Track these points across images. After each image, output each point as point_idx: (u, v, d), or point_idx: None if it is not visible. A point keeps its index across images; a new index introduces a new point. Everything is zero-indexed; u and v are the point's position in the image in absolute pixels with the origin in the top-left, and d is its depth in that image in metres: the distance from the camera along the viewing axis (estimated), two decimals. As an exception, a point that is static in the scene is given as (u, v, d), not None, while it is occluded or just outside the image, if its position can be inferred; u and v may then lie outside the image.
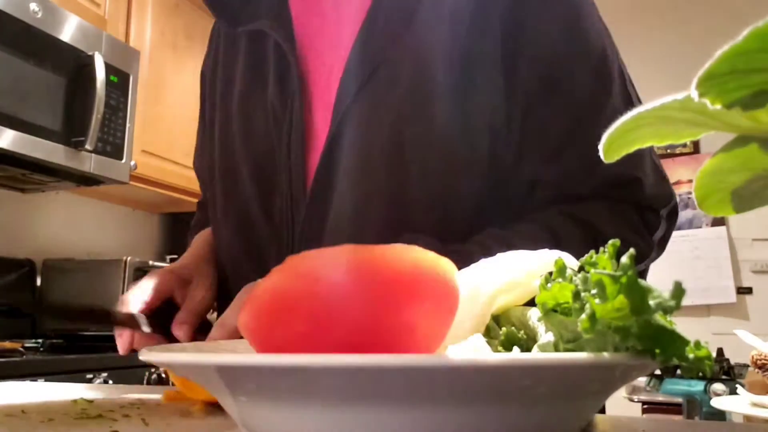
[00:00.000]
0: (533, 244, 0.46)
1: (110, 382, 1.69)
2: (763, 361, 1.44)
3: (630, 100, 0.65)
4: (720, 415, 1.81)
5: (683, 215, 3.14)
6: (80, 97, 1.94)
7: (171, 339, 0.62)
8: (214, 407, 0.50)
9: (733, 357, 2.21)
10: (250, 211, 0.71)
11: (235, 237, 0.72)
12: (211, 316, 0.68)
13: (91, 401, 0.53)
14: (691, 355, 0.25)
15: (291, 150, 0.68)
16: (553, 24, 0.64)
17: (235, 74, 0.76)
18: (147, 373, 1.84)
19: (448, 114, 0.63)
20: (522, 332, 0.34)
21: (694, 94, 0.20)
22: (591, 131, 0.61)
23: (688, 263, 3.06)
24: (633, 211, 0.63)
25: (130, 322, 0.62)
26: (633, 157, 0.63)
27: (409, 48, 0.65)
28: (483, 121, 0.63)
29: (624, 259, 0.26)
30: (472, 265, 0.39)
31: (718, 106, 0.20)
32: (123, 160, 2.11)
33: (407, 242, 0.29)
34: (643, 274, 0.66)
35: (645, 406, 2.44)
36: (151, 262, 2.31)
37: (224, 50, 0.79)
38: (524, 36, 0.63)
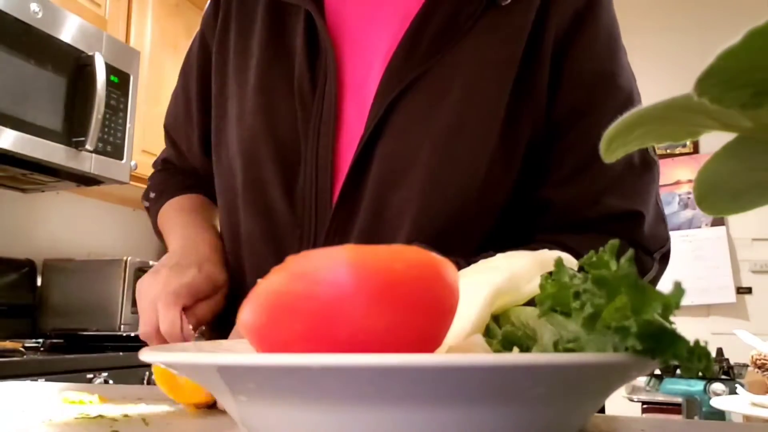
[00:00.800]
0: None
1: (110, 382, 1.69)
2: (763, 361, 1.44)
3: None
4: (719, 415, 1.81)
5: (683, 215, 3.14)
6: (80, 97, 1.94)
7: None
8: (209, 408, 0.50)
9: (733, 357, 2.21)
10: (271, 195, 0.68)
11: (255, 220, 0.69)
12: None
13: (91, 401, 0.53)
14: (690, 355, 0.25)
15: (320, 140, 0.66)
16: (594, 61, 0.66)
17: (251, 45, 0.72)
18: (147, 373, 1.83)
19: (494, 132, 0.63)
20: (522, 332, 0.34)
21: (694, 94, 0.20)
22: (605, 165, 0.63)
23: (688, 263, 3.06)
24: (629, 250, 0.64)
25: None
26: (641, 193, 0.65)
27: (462, 59, 0.64)
28: (523, 141, 0.64)
29: (624, 259, 0.26)
30: (472, 266, 0.39)
31: (718, 106, 0.20)
32: (123, 160, 2.11)
33: None
34: None
35: (645, 406, 2.44)
36: (151, 262, 2.31)
37: (237, 16, 0.75)
38: (568, 66, 0.65)
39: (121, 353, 1.83)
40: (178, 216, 0.78)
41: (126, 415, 0.46)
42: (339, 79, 0.67)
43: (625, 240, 0.63)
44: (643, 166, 0.65)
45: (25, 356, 1.64)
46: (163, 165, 0.88)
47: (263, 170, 0.68)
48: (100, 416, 0.45)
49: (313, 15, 0.67)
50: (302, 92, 0.67)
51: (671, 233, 0.69)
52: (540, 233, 0.66)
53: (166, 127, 0.87)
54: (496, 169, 0.63)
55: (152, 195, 0.84)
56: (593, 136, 0.64)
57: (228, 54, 0.75)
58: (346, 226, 0.64)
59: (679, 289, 0.25)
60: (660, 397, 2.29)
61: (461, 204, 0.62)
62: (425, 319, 0.29)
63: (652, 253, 0.66)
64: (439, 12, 0.66)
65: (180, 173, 0.86)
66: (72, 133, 1.92)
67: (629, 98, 0.67)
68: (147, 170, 2.49)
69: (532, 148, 0.65)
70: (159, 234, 0.82)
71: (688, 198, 3.10)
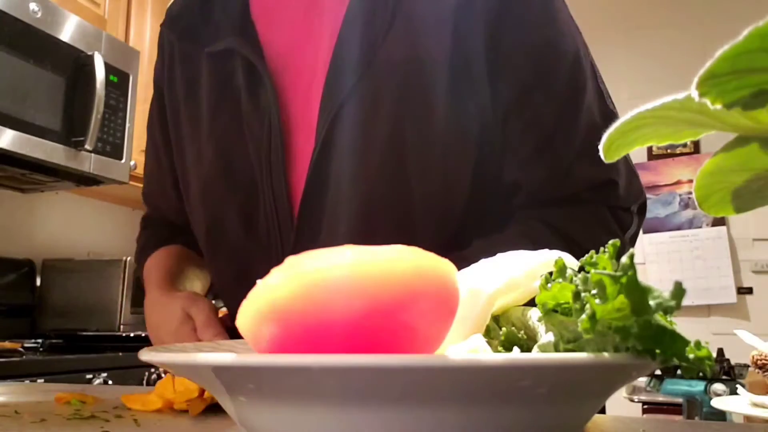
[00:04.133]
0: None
1: (110, 382, 1.69)
2: (764, 361, 1.44)
3: (602, 95, 0.66)
4: (720, 416, 1.81)
5: (683, 215, 3.13)
6: (80, 96, 1.94)
7: None
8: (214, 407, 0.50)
9: (734, 357, 2.21)
10: (234, 235, 0.69)
11: (226, 265, 0.72)
12: None
13: (84, 402, 0.53)
14: (691, 356, 0.25)
15: (272, 170, 0.66)
16: (531, 32, 0.64)
17: (200, 94, 0.73)
18: (147, 373, 1.83)
19: (440, 124, 0.62)
20: (522, 332, 0.34)
21: (694, 94, 0.20)
22: (567, 134, 0.63)
23: (689, 263, 3.05)
24: (607, 212, 0.64)
25: None
26: None
27: (390, 59, 0.64)
28: (472, 128, 0.63)
29: (624, 259, 0.26)
30: (472, 266, 0.39)
31: (719, 106, 0.20)
32: (123, 160, 2.11)
33: None
34: None
35: (645, 406, 2.44)
36: (151, 262, 2.30)
37: (181, 66, 0.76)
38: (505, 42, 0.64)
39: (120, 353, 1.83)
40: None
41: (118, 416, 0.46)
42: (285, 108, 0.68)
43: (604, 205, 0.64)
44: (606, 123, 0.64)
45: (24, 356, 1.64)
46: (143, 223, 0.92)
47: (224, 213, 0.70)
48: (93, 416, 0.45)
49: (249, 57, 0.68)
50: (250, 126, 0.68)
51: (672, 233, 0.69)
52: (518, 212, 0.65)
53: (144, 195, 0.90)
54: (449, 162, 0.63)
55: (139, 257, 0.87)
56: (548, 109, 0.64)
57: (178, 103, 0.76)
58: (309, 247, 0.65)
59: (679, 289, 0.25)
60: (660, 398, 2.29)
61: (415, 204, 0.62)
62: (425, 319, 0.29)
63: (629, 207, 0.66)
64: (358, 20, 0.65)
65: (158, 226, 0.89)
66: (71, 132, 1.92)
67: (576, 61, 0.65)
68: (147, 170, 2.46)
69: (490, 132, 0.64)
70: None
71: (689, 198, 3.10)
